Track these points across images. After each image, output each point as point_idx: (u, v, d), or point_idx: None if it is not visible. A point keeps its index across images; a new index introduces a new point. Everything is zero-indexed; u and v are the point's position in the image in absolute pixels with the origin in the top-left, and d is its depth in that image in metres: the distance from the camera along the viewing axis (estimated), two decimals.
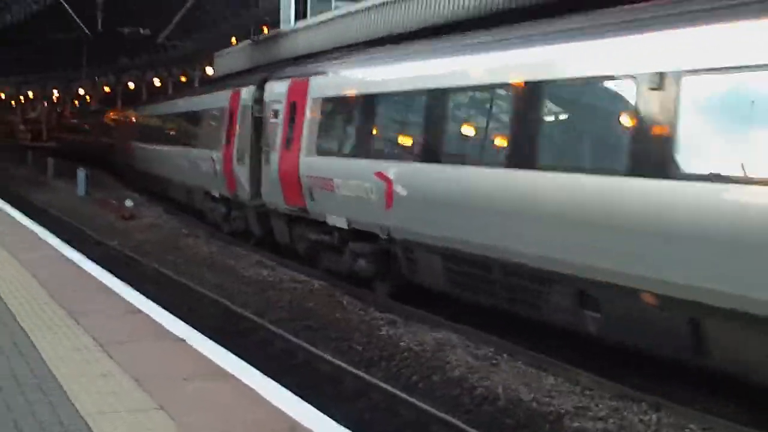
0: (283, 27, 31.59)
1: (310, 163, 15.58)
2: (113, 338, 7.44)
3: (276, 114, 17.30)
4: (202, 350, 7.17)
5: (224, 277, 17.13)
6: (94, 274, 10.94)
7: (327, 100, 15.54)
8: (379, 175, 13.15)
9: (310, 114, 15.78)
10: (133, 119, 37.21)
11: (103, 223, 26.09)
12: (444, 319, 12.73)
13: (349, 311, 13.92)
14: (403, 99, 13.53)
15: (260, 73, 21.48)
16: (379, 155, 13.64)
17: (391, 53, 15.00)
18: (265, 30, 33.80)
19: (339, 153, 14.96)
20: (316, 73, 16.39)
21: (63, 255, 12.54)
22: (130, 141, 35.97)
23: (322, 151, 15.36)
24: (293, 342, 11.96)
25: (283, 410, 5.65)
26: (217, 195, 22.16)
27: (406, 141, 13.29)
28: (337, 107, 15.40)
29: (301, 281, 16.39)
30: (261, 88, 18.87)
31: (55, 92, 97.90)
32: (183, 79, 63.80)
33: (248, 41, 32.44)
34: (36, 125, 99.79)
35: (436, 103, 12.22)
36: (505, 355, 10.97)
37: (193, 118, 25.38)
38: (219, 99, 22.18)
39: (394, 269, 13.76)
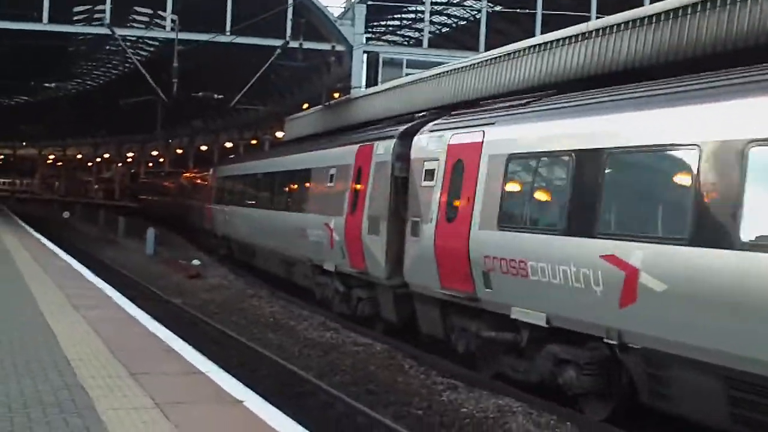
0: (353, 92, 31.96)
1: (488, 239, 12.12)
2: (172, 399, 7.43)
3: (430, 175, 14.06)
4: (259, 413, 7.10)
5: (287, 339, 17.14)
6: (156, 333, 10.99)
7: (516, 158, 11.98)
8: (611, 259, 9.80)
9: (488, 176, 12.38)
10: (216, 178, 35.13)
11: (170, 282, 26.39)
12: (506, 385, 12.51)
13: (411, 375, 13.78)
14: (664, 156, 9.60)
15: (388, 126, 17.94)
16: (611, 232, 10.02)
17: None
18: (336, 96, 34.22)
19: (537, 227, 11.45)
20: (494, 123, 12.89)
21: (127, 313, 12.66)
22: (211, 203, 34.74)
23: (507, 224, 11.83)
24: (353, 405, 11.83)
25: None
26: (332, 269, 18.68)
27: (665, 212, 9.57)
28: (535, 167, 11.72)
29: (364, 344, 16.31)
30: (405, 142, 15.64)
31: (130, 153, 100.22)
32: (253, 142, 64.90)
33: (320, 106, 32.87)
34: (109, 184, 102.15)
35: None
36: (568, 424, 10.70)
37: (298, 177, 22.17)
38: (338, 156, 19.06)
39: (623, 386, 10.41)
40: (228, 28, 32.77)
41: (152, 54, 59.13)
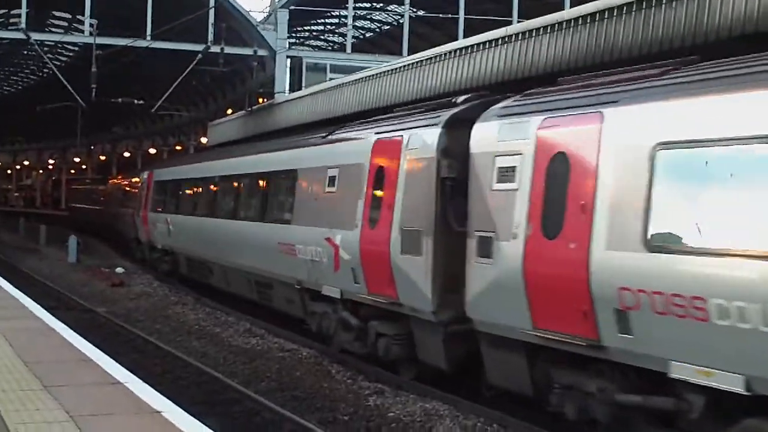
0: (277, 97, 31.79)
1: (626, 264, 8.57)
2: (87, 411, 7.22)
3: (508, 174, 10.41)
4: (177, 423, 6.93)
5: (212, 346, 16.90)
6: (73, 343, 10.71)
7: (673, 147, 8.30)
8: None
9: (617, 173, 8.87)
10: (153, 182, 29.86)
11: (93, 291, 25.86)
12: (434, 389, 12.49)
13: (337, 380, 13.68)
14: None
15: (414, 114, 13.71)
16: None
17: None
18: (261, 101, 34.01)
19: (726, 251, 7.67)
20: (617, 101, 9.28)
21: (44, 323, 12.32)
22: (147, 210, 29.93)
23: (664, 244, 8.20)
24: (279, 412, 11.69)
25: None
26: (335, 295, 14.51)
27: None
28: (711, 159, 7.96)
29: (290, 350, 16.17)
30: (456, 132, 11.83)
31: (50, 160, 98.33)
32: (178, 147, 64.15)
33: (243, 111, 32.62)
34: (30, 192, 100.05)
35: None
36: (495, 425, 10.71)
37: (278, 180, 17.93)
38: (341, 153, 14.90)
39: None
40: (148, 32, 32.30)
41: (72, 59, 58.05)
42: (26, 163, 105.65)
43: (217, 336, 17.94)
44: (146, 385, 8.39)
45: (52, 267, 32.72)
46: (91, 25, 33.51)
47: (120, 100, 33.72)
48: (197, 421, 7.07)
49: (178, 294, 24.55)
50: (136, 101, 35.25)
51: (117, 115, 66.17)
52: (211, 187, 23.11)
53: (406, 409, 11.58)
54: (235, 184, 20.83)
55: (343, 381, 13.57)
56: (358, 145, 14.31)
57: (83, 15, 35.23)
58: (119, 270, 30.73)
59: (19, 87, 76.67)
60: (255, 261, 18.50)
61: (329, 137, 16.06)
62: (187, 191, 25.68)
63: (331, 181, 14.97)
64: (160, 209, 28.25)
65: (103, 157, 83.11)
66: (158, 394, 8.04)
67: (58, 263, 33.96)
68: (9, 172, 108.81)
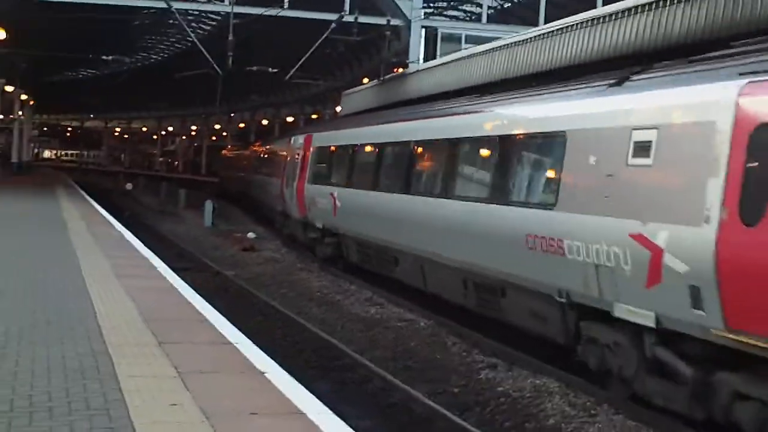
0: (411, 68, 31.77)
1: None
2: (194, 368, 7.43)
3: None
4: (278, 384, 7.07)
5: (331, 313, 17.15)
6: (194, 304, 11.03)
7: None
8: None
9: None
10: (313, 150, 25.15)
11: (224, 254, 26.62)
12: (547, 364, 12.34)
13: (452, 352, 13.67)
14: None
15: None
16: None
17: None
18: (396, 71, 34.10)
19: None
20: None
21: (169, 283, 12.74)
22: (304, 181, 25.15)
23: None
24: (391, 381, 11.78)
25: None
26: (648, 323, 9.65)
27: None
28: None
29: (408, 320, 16.24)
30: None
31: (193, 127, 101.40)
32: (314, 116, 65.11)
33: (375, 81, 32.76)
34: (173, 157, 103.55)
35: None
36: (605, 406, 10.50)
37: (529, 145, 12.94)
38: (661, 105, 9.75)
39: None
40: (286, 1, 32.75)
41: (213, 28, 59.53)
42: (170, 128, 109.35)
43: (337, 303, 18.19)
44: (255, 347, 8.57)
45: (188, 230, 33.83)
46: None
47: (255, 68, 34.34)
48: (297, 383, 7.18)
49: (305, 261, 24.99)
50: (270, 69, 35.82)
51: (255, 84, 67.55)
52: (405, 155, 17.90)
53: (516, 384, 11.49)
54: (446, 151, 15.69)
55: (458, 353, 13.55)
56: (699, 95, 9.29)
57: None
58: (251, 235, 31.49)
59: (164, 55, 79.20)
60: (478, 255, 13.74)
61: (629, 82, 10.93)
62: (365, 160, 20.43)
63: (642, 148, 9.89)
64: (321, 181, 23.31)
65: (242, 125, 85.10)
66: (265, 355, 8.20)
67: (194, 227, 35.07)
68: (155, 137, 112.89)
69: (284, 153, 29.96)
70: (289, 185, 27.24)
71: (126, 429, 5.73)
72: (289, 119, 70.55)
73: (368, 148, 20.35)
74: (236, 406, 6.34)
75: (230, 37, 28.57)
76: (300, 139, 27.12)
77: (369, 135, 20.57)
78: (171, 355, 7.92)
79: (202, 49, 29.50)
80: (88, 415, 6.00)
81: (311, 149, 25.25)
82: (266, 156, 37.34)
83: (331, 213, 21.82)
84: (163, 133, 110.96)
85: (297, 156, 26.72)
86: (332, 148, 23.39)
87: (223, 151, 65.44)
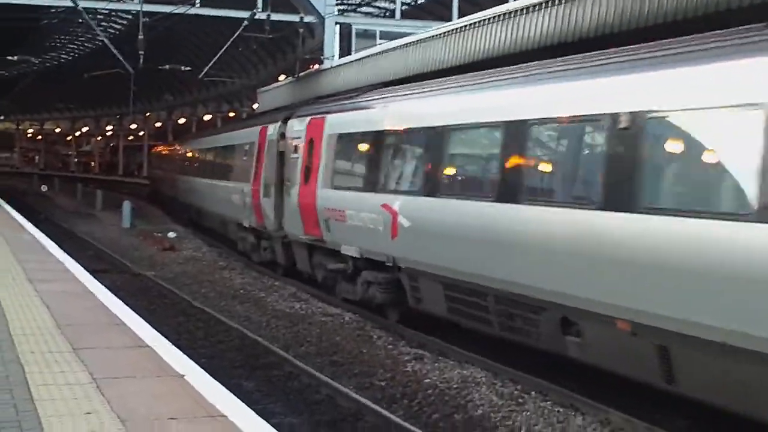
0: (326, 64, 31.58)
1: None
2: (110, 374, 7.16)
3: None
4: (198, 387, 6.84)
5: (255, 310, 16.91)
6: (110, 307, 10.69)
7: None
8: None
9: None
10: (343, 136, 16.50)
11: (144, 255, 26.08)
12: (475, 354, 12.30)
13: (378, 346, 13.57)
14: None
15: None
16: None
17: None
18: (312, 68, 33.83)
19: None
20: None
21: (84, 286, 12.34)
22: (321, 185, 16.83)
23: None
24: (317, 377, 11.62)
25: None
26: None
27: None
28: None
29: (333, 314, 16.09)
30: None
31: (108, 127, 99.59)
32: (231, 114, 64.43)
33: (290, 78, 32.48)
34: (89, 158, 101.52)
35: None
36: (533, 393, 10.50)
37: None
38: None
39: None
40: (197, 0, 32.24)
41: (124, 27, 58.42)
42: (85, 129, 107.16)
43: (261, 300, 17.94)
44: (174, 349, 8.32)
45: (105, 231, 33.08)
46: None
47: (167, 66, 33.71)
48: (218, 384, 6.96)
49: (227, 259, 24.64)
50: (183, 68, 35.23)
51: (169, 83, 66.59)
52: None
53: (443, 376, 11.43)
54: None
55: (383, 347, 13.45)
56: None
57: None
58: (171, 234, 30.96)
59: (75, 55, 77.50)
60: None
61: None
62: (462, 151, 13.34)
63: None
64: (358, 185, 15.46)
65: (158, 124, 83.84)
66: (184, 356, 7.96)
67: (112, 228, 34.33)
68: (68, 138, 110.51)
69: (253, 147, 22.80)
70: (270, 192, 20.49)
71: None
72: (207, 117, 69.60)
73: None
74: (154, 411, 6.11)
75: (140, 36, 27.96)
76: (299, 125, 19.09)
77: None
78: (86, 361, 7.62)
79: (112, 48, 28.85)
80: None
81: (326, 138, 17.26)
82: (219, 152, 28.98)
83: (383, 234, 14.19)
84: (78, 133, 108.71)
85: (292, 149, 19.24)
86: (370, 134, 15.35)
87: (157, 148, 52.57)
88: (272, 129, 21.12)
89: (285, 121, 20.30)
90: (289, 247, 19.75)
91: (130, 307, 11.07)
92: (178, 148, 41.17)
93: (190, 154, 35.86)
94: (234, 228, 25.15)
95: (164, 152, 45.75)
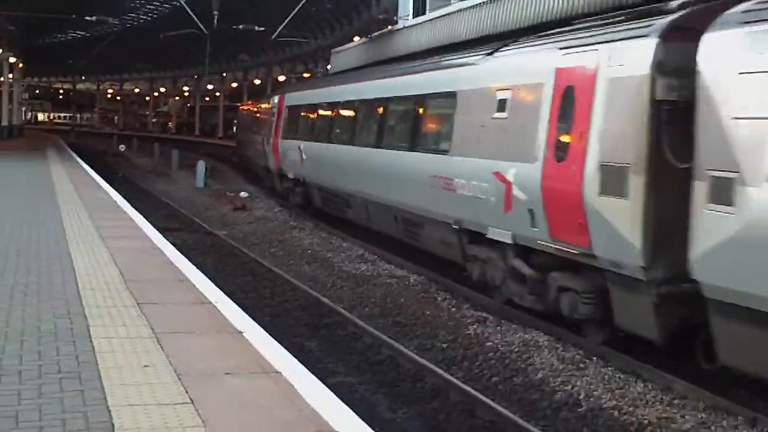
0: (400, 24, 31.37)
1: None
2: (171, 329, 7.30)
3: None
4: (256, 344, 6.94)
5: (322, 270, 17.03)
6: (177, 264, 10.89)
7: None
8: None
9: None
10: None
11: (216, 214, 26.45)
12: (537, 319, 12.24)
13: (442, 308, 13.57)
14: None
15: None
16: None
17: None
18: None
19: None
20: None
21: (154, 244, 12.59)
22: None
23: None
24: (379, 337, 11.69)
25: (318, 412, 5.35)
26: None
27: None
28: None
29: (399, 276, 16.13)
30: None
31: (185, 87, 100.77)
32: (306, 75, 64.60)
33: (363, 39, 32.35)
34: (167, 118, 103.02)
35: None
36: (594, 359, 10.41)
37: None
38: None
39: None
40: None
41: None
42: (162, 90, 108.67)
43: (328, 261, 18.07)
44: (235, 306, 8.44)
45: (180, 191, 33.64)
46: None
47: (241, 27, 33.88)
48: (275, 341, 7.06)
49: (297, 219, 24.83)
50: (257, 28, 35.38)
51: (244, 44, 66.94)
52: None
53: (505, 339, 11.40)
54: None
55: (447, 309, 13.45)
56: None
57: None
58: (243, 194, 31.32)
59: (152, 16, 78.43)
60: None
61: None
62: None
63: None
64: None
65: (234, 84, 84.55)
66: (244, 314, 8.07)
67: (187, 187, 34.87)
68: (147, 99, 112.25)
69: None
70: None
71: (96, 392, 5.60)
72: (281, 78, 69.99)
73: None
74: (210, 367, 6.22)
75: None
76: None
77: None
78: (148, 316, 7.79)
79: (187, 9, 29.07)
80: (58, 378, 5.87)
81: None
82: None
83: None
84: (156, 94, 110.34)
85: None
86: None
87: (241, 108, 49.97)
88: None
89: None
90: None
91: (199, 266, 11.28)
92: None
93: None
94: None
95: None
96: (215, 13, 28.45)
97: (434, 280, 15.48)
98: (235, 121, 56.19)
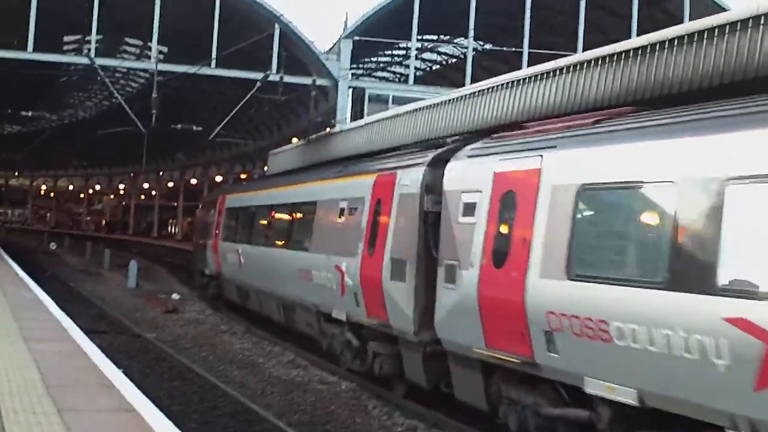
0: (338, 127, 31.85)
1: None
2: None
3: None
4: None
5: (252, 376, 16.76)
6: (101, 368, 10.63)
7: None
8: None
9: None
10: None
11: (146, 316, 25.98)
12: (469, 427, 12.14)
13: (372, 416, 13.41)
14: None
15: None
16: None
17: None
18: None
19: None
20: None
21: (79, 347, 12.29)
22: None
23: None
24: None
25: None
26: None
27: None
28: None
29: (330, 382, 15.94)
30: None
31: (120, 185, 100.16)
32: (243, 176, 64.77)
33: (301, 141, 32.72)
34: (100, 216, 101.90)
35: None
36: None
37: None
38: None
39: None
40: (213, 59, 32.67)
41: (139, 86, 59.14)
42: (97, 187, 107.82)
43: (259, 366, 17.80)
44: (160, 414, 8.24)
45: (110, 291, 33.04)
46: (160, 52, 34.07)
47: (179, 126, 34.04)
48: None
49: (229, 323, 24.53)
50: (195, 128, 35.56)
51: (183, 143, 67.13)
52: (251, 216, 24.13)
53: None
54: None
55: (378, 417, 13.29)
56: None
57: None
58: (175, 296, 30.89)
59: (90, 113, 78.43)
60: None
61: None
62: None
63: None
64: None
65: (171, 184, 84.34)
66: (169, 422, 7.87)
67: (117, 288, 34.29)
68: (81, 196, 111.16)
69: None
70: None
71: None
72: (218, 178, 70.02)
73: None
74: None
75: (154, 95, 28.27)
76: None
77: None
78: (69, 422, 7.55)
79: (125, 106, 29.20)
80: None
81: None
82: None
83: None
84: (90, 191, 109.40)
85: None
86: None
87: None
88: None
89: None
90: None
91: (125, 370, 11.04)
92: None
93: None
94: None
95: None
96: (153, 111, 28.53)
97: (365, 387, 15.32)
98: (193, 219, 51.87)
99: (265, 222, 22.65)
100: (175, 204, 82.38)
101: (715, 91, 11.18)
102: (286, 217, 20.58)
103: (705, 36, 11.74)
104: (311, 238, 17.58)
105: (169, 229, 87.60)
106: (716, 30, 11.63)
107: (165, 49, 34.97)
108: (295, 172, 25.45)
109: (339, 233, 15.93)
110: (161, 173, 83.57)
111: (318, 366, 17.53)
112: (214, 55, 33.81)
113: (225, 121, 31.07)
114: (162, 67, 30.95)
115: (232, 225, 25.84)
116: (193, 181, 76.95)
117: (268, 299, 21.44)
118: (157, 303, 29.07)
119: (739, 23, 11.35)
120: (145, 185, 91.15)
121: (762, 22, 10.99)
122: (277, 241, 20.58)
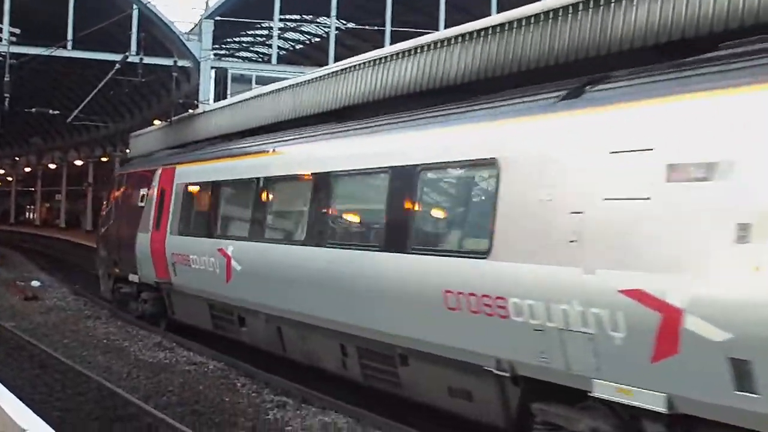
0: (200, 108, 31.36)
1: None
2: None
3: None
4: None
5: (117, 360, 16.45)
6: None
7: None
8: None
9: None
10: None
11: (5, 304, 25.10)
12: (337, 401, 12.27)
13: (242, 394, 13.39)
14: None
15: None
16: None
17: None
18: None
19: None
20: None
21: None
22: None
23: None
24: (176, 427, 11.36)
25: None
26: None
27: None
28: None
29: (197, 363, 15.84)
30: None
31: None
32: (104, 159, 63.19)
33: (164, 123, 32.08)
34: None
35: None
36: None
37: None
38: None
39: None
40: (69, 41, 31.65)
41: None
42: None
43: (124, 350, 17.49)
44: (19, 402, 7.99)
45: None
46: (13, 35, 32.74)
47: (34, 110, 32.87)
48: None
49: (93, 308, 23.97)
50: (51, 111, 34.37)
51: (40, 127, 64.98)
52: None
53: (305, 423, 11.35)
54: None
55: (247, 395, 13.28)
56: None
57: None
58: (35, 283, 29.94)
59: None
60: None
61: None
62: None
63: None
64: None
65: (28, 169, 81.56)
66: (29, 411, 7.65)
67: None
68: None
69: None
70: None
71: None
72: (78, 162, 67.99)
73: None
74: None
75: (7, 78, 27.20)
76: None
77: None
78: None
79: None
80: None
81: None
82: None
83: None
84: None
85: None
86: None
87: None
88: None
89: None
90: None
91: None
92: None
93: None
94: None
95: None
96: (6, 95, 27.43)
97: (234, 366, 15.28)
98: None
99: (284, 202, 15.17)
100: (33, 189, 79.95)
101: (571, 66, 11.52)
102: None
103: (560, 13, 12.07)
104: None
105: (27, 215, 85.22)
106: (570, 8, 11.98)
107: (17, 31, 33.58)
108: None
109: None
110: (17, 158, 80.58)
111: (185, 347, 17.36)
112: (70, 36, 32.74)
113: (83, 104, 30.13)
114: (15, 49, 29.74)
115: (201, 210, 17.52)
116: (52, 165, 74.51)
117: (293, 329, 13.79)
118: (15, 290, 28.14)
119: (591, 1, 11.71)
120: (1, 171, 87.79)
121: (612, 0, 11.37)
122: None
